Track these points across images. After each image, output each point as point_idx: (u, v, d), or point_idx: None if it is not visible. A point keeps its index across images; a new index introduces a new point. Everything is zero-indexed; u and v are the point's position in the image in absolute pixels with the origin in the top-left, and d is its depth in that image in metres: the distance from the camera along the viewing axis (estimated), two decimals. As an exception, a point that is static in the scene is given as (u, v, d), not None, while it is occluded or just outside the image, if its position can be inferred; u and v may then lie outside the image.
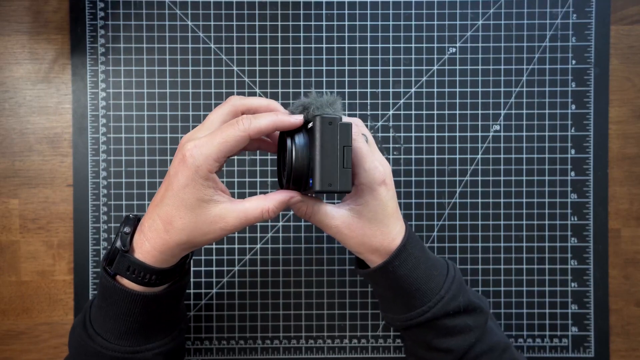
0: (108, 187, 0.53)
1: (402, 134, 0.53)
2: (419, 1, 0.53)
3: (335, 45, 0.53)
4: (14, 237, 0.53)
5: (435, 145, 0.53)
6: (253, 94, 0.53)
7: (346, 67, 0.53)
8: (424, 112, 0.53)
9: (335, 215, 0.41)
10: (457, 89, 0.53)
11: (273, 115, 0.38)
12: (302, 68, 0.53)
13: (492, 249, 0.53)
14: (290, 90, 0.53)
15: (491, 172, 0.53)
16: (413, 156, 0.53)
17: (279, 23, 0.53)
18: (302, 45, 0.53)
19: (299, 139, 0.38)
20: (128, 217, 0.41)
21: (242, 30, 0.53)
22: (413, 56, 0.53)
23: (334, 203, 0.42)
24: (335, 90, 0.53)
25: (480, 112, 0.53)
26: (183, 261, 0.42)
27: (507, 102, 0.53)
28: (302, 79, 0.53)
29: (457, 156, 0.53)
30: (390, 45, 0.53)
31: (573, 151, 0.53)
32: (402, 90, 0.53)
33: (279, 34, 0.53)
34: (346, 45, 0.53)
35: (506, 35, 0.53)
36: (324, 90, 0.53)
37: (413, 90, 0.53)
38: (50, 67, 0.53)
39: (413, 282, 0.42)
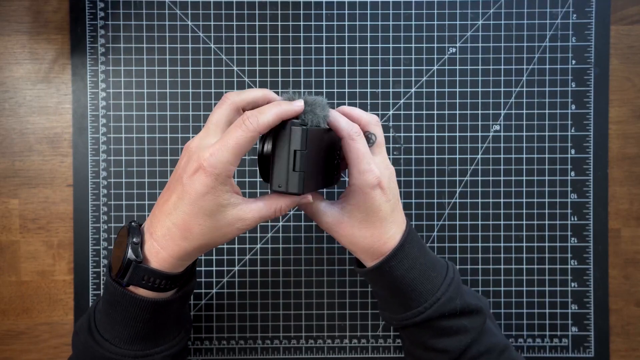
0: (108, 187, 0.53)
1: (402, 134, 0.53)
2: (419, 1, 0.53)
3: (335, 45, 0.53)
4: (14, 237, 0.53)
5: (435, 145, 0.53)
6: (253, 94, 0.53)
7: (346, 67, 0.53)
8: (424, 112, 0.53)
9: (328, 213, 0.42)
10: (457, 89, 0.53)
11: (276, 106, 0.38)
12: (302, 68, 0.53)
13: (492, 249, 0.53)
14: (290, 90, 0.53)
15: (491, 172, 0.53)
16: (413, 156, 0.53)
17: (279, 23, 0.53)
18: (302, 45, 0.53)
19: (268, 141, 0.40)
20: (132, 226, 0.40)
21: (242, 30, 0.53)
22: (413, 56, 0.53)
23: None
24: (336, 90, 0.53)
25: (480, 112, 0.53)
26: (192, 264, 0.42)
27: (507, 102, 0.53)
28: (302, 79, 0.53)
29: (457, 156, 0.53)
30: (390, 45, 0.53)
31: (573, 151, 0.53)
32: (402, 90, 0.53)
33: (279, 34, 0.53)
34: (346, 45, 0.53)
35: (506, 35, 0.53)
36: (301, 90, 0.53)
37: (413, 90, 0.53)
38: (50, 67, 0.53)
39: (409, 282, 0.42)
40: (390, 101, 0.53)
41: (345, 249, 0.53)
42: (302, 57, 0.53)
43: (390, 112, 0.53)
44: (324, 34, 0.53)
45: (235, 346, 0.53)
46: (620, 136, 0.54)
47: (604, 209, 0.54)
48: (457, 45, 0.53)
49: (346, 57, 0.53)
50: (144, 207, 0.53)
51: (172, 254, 0.38)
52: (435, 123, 0.53)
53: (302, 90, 0.53)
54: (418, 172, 0.53)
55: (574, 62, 0.53)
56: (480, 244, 0.53)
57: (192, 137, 0.53)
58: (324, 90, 0.53)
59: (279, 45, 0.53)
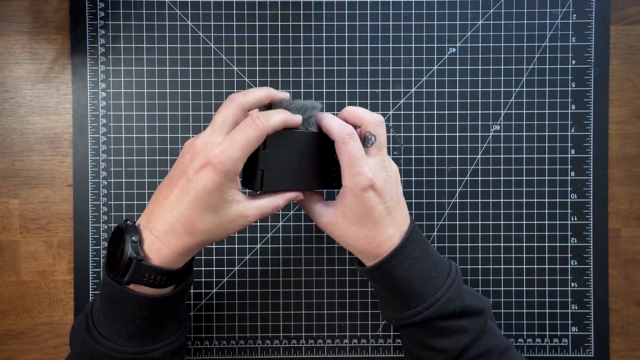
0: (108, 187, 0.53)
1: (402, 134, 0.53)
2: (419, 1, 0.53)
3: (335, 45, 0.53)
4: (14, 237, 0.53)
5: (435, 145, 0.53)
6: (253, 94, 0.53)
7: (346, 67, 0.53)
8: (424, 112, 0.53)
9: (323, 213, 0.43)
10: (457, 89, 0.53)
11: (284, 113, 0.41)
12: (302, 68, 0.53)
13: (492, 249, 0.53)
14: (290, 90, 0.53)
15: (491, 172, 0.53)
16: (413, 156, 0.53)
17: (279, 23, 0.53)
18: (302, 45, 0.53)
19: None
20: (128, 225, 0.40)
21: (242, 30, 0.53)
22: (413, 56, 0.53)
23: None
24: (336, 90, 0.53)
25: (480, 112, 0.53)
26: (190, 259, 0.42)
27: (507, 102, 0.53)
28: (302, 79, 0.53)
29: (457, 156, 0.53)
30: (390, 45, 0.53)
31: (573, 151, 0.53)
32: (402, 90, 0.53)
33: (279, 34, 0.53)
34: (346, 45, 0.53)
35: (506, 35, 0.53)
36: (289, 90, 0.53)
37: (413, 90, 0.53)
38: (50, 67, 0.53)
39: (409, 282, 0.42)
40: (390, 101, 0.53)
41: (346, 250, 0.53)
42: (302, 57, 0.53)
43: (390, 112, 0.53)
44: (324, 34, 0.53)
45: (235, 346, 0.53)
46: (620, 136, 0.54)
47: (604, 209, 0.54)
48: (457, 45, 0.53)
49: (346, 57, 0.53)
50: (144, 207, 0.53)
51: (174, 250, 0.39)
52: (435, 123, 0.53)
53: (294, 91, 0.53)
54: (418, 172, 0.53)
55: (574, 62, 0.53)
56: (480, 244, 0.53)
57: (192, 136, 0.53)
58: (324, 90, 0.53)
59: (279, 45, 0.53)
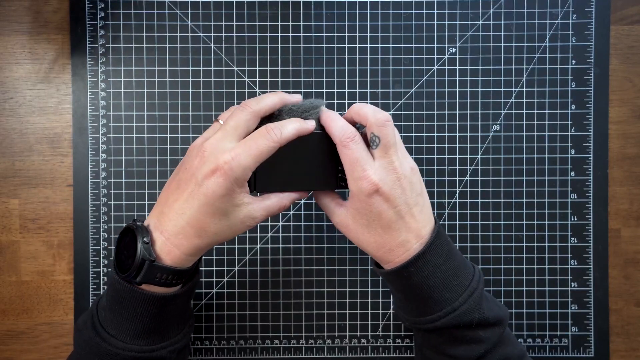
0: (108, 187, 0.53)
1: (402, 134, 0.53)
2: (419, 1, 0.53)
3: (335, 45, 0.53)
4: (14, 237, 0.53)
5: (435, 145, 0.53)
6: (253, 94, 0.53)
7: (346, 67, 0.53)
8: (424, 112, 0.53)
9: (336, 212, 0.43)
10: (457, 89, 0.53)
11: (297, 123, 0.41)
12: (302, 68, 0.53)
13: (492, 249, 0.53)
14: (291, 90, 0.53)
15: (491, 172, 0.53)
16: (413, 156, 0.53)
17: (279, 23, 0.53)
18: (302, 45, 0.53)
19: None
20: (138, 226, 0.40)
21: (242, 30, 0.53)
22: (413, 56, 0.53)
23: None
24: (336, 90, 0.53)
25: (480, 112, 0.53)
26: (197, 259, 0.42)
27: (507, 102, 0.53)
28: (302, 79, 0.53)
29: (457, 156, 0.53)
30: (390, 45, 0.53)
31: (573, 151, 0.53)
32: (402, 90, 0.53)
33: (279, 34, 0.53)
34: (346, 45, 0.53)
35: (506, 35, 0.53)
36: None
37: (413, 90, 0.53)
38: (50, 67, 0.53)
39: (427, 289, 0.40)
40: (390, 101, 0.53)
41: (346, 250, 0.53)
42: (302, 57, 0.53)
43: (390, 112, 0.53)
44: (324, 34, 0.53)
45: (235, 346, 0.53)
46: (620, 136, 0.54)
47: (604, 209, 0.54)
48: (457, 45, 0.53)
49: (346, 57, 0.53)
50: (144, 207, 0.53)
51: (184, 251, 0.39)
52: (435, 123, 0.53)
53: (303, 90, 0.53)
54: (418, 172, 0.53)
55: (574, 62, 0.53)
56: (480, 244, 0.53)
57: (194, 136, 0.53)
58: (324, 90, 0.53)
59: (279, 45, 0.53)
